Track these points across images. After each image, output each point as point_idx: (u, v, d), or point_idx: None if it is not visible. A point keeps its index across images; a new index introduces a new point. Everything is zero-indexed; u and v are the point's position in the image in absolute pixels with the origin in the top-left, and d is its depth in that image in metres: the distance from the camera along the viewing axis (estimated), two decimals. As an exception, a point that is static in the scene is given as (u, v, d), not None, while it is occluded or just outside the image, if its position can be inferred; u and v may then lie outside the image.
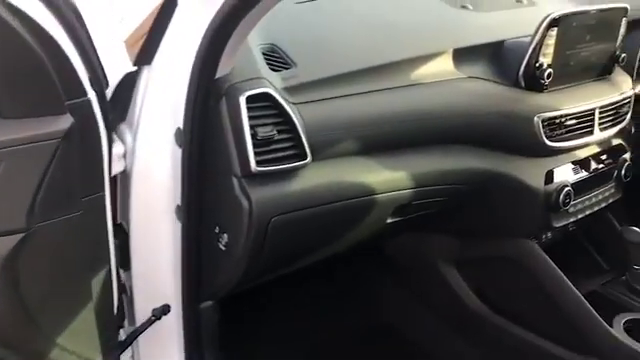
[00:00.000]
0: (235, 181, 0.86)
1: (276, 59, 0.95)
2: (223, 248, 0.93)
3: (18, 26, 0.61)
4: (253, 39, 0.94)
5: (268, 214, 0.87)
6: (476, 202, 1.15)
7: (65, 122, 0.67)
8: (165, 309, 1.04)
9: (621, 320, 1.16)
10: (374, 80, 0.99)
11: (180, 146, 0.89)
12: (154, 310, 1.02)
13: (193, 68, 0.82)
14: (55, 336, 0.78)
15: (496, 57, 1.14)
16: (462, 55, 1.10)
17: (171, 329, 1.07)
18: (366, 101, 0.97)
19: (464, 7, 1.28)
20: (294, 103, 0.89)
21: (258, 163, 0.84)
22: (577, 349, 1.17)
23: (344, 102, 0.95)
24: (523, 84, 1.11)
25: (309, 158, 0.88)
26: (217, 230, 0.93)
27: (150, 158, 0.91)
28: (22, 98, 0.64)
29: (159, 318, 1.03)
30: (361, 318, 1.43)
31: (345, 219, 0.98)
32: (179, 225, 0.95)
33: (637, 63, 1.34)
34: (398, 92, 1.01)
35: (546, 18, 1.07)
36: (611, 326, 1.13)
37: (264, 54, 0.95)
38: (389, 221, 1.07)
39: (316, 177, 0.91)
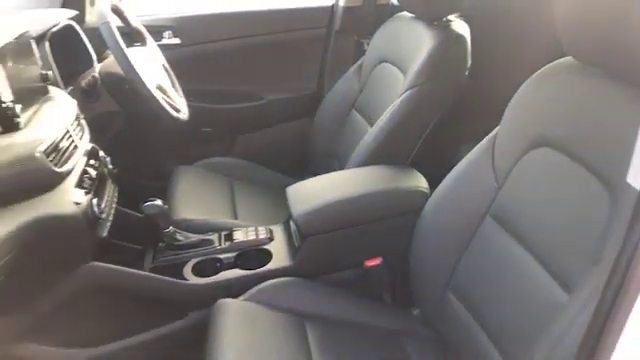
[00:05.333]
0: None
1: None
2: None
3: None
4: None
5: None
6: (33, 262, 1.06)
7: None
8: None
9: (187, 270, 1.38)
10: None
11: None
12: None
13: None
14: None
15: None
16: None
17: None
18: None
19: None
20: None
21: None
22: (172, 316, 1.33)
23: None
24: (0, 129, 1.04)
25: None
26: None
27: None
28: None
29: None
30: None
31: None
32: None
33: (57, 75, 1.45)
34: None
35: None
36: (184, 277, 1.34)
37: None
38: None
39: None
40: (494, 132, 1.17)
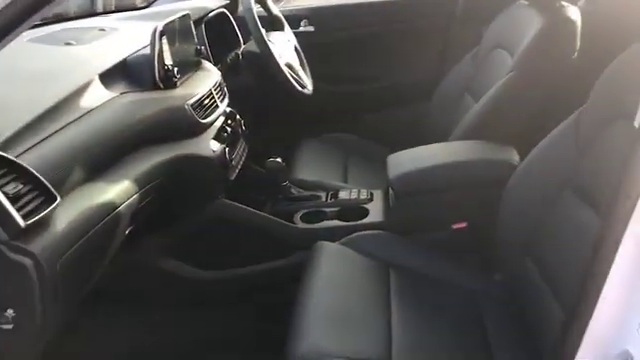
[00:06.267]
0: (4, 248, 0.84)
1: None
2: (9, 327, 0.88)
3: None
4: None
5: (53, 259, 0.89)
6: (174, 191, 1.37)
7: None
8: None
9: (297, 217, 1.62)
10: (60, 116, 1.07)
11: None
12: None
13: None
14: None
15: (128, 72, 1.35)
16: (105, 78, 1.27)
17: None
18: (68, 134, 1.05)
19: (69, 44, 1.42)
20: (15, 157, 0.91)
21: (24, 217, 0.85)
22: (282, 253, 1.58)
23: (50, 142, 1.01)
24: (162, 85, 1.37)
25: (58, 198, 0.93)
26: (-8, 315, 0.87)
27: None
28: None
29: None
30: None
31: (107, 237, 1.06)
32: None
33: (209, 52, 1.79)
34: (83, 120, 1.11)
35: (156, 30, 1.34)
36: (293, 222, 1.59)
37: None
38: (127, 232, 1.18)
39: (72, 211, 0.96)
40: (581, 108, 1.23)
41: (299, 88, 1.81)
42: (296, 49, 2.03)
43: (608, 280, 0.73)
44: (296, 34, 2.12)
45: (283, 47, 1.89)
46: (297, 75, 1.88)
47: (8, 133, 0.95)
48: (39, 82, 1.15)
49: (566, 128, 1.24)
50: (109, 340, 1.48)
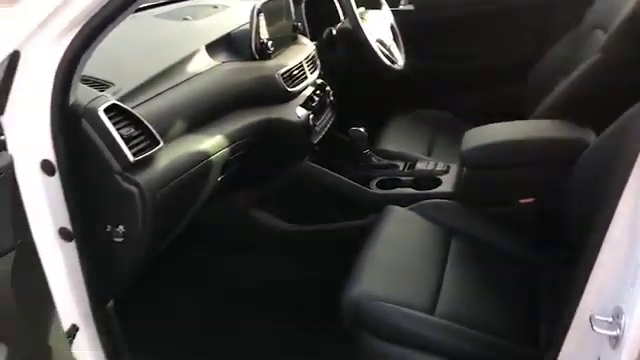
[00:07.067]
0: (118, 177, 1.08)
1: (94, 84, 1.18)
2: (120, 240, 1.13)
3: None
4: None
5: (155, 190, 1.12)
6: (262, 149, 1.58)
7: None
8: (73, 329, 1.17)
9: (373, 183, 1.76)
10: (170, 78, 1.30)
11: (50, 174, 1.06)
12: (67, 333, 1.15)
13: (52, 102, 1.01)
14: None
15: (230, 44, 1.57)
16: (211, 48, 1.50)
17: (87, 343, 1.21)
18: (175, 93, 1.28)
19: (186, 19, 1.67)
20: (131, 108, 1.15)
21: (134, 154, 1.08)
22: (358, 216, 1.73)
23: (162, 98, 1.25)
24: (257, 56, 1.57)
25: (161, 143, 1.15)
26: (108, 228, 1.12)
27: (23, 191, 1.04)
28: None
29: (74, 337, 1.16)
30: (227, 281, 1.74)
31: (200, 180, 1.29)
32: (67, 244, 1.11)
33: (307, 28, 1.96)
34: (189, 83, 1.34)
35: (254, 8, 1.54)
36: (369, 187, 1.73)
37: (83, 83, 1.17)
38: (219, 179, 1.40)
39: (171, 155, 1.19)
40: None
41: (388, 63, 1.92)
42: (392, 27, 2.14)
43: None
44: (396, 12, 2.22)
45: (377, 24, 2.01)
46: (388, 51, 1.99)
47: (127, 89, 1.20)
48: (156, 50, 1.40)
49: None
50: (202, 279, 1.74)
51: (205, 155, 1.29)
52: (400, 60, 2.04)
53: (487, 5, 2.32)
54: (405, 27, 2.19)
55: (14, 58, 0.99)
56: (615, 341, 0.76)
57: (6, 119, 1.02)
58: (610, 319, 0.78)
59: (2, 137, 0.89)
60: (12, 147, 1.02)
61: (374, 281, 1.28)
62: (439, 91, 2.43)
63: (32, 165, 1.04)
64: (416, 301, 1.22)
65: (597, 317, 0.78)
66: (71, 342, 1.15)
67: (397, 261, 1.37)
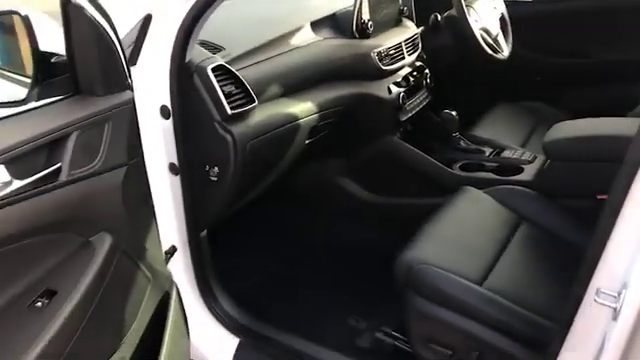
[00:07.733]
0: (217, 125, 1.30)
1: (209, 47, 1.41)
2: (215, 179, 1.35)
3: (97, 19, 0.87)
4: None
5: (245, 141, 1.32)
6: (351, 120, 1.73)
7: (129, 95, 1.05)
8: (172, 249, 1.43)
9: (457, 165, 1.84)
10: (273, 48, 1.50)
11: (166, 117, 1.30)
12: (165, 252, 1.40)
13: (172, 57, 1.24)
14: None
15: (335, 23, 1.73)
16: (315, 25, 1.67)
17: (182, 263, 1.46)
18: (276, 61, 1.48)
19: (300, -3, 1.86)
20: (236, 70, 1.36)
21: (231, 108, 1.29)
22: (437, 194, 1.81)
23: (264, 64, 1.44)
24: (357, 35, 1.72)
25: (256, 102, 1.35)
26: (207, 168, 1.35)
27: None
28: (106, 81, 0.99)
29: (172, 255, 1.41)
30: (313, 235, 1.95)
31: (287, 138, 1.48)
32: (173, 177, 1.35)
33: (414, 13, 2.06)
34: (290, 54, 1.53)
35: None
36: (452, 169, 1.81)
37: (201, 45, 1.40)
38: (307, 142, 1.58)
39: (264, 113, 1.39)
40: None
41: (489, 52, 1.96)
42: (502, 17, 2.16)
43: None
44: (514, 3, 2.23)
45: (485, 13, 2.05)
46: (494, 40, 2.02)
47: (235, 54, 1.41)
48: (265, 23, 1.60)
49: None
50: (285, 232, 1.94)
51: (294, 117, 1.47)
52: (506, 50, 2.06)
53: (605, 1, 2.23)
54: (521, 18, 2.19)
55: (147, 20, 1.23)
56: (614, 313, 0.82)
57: (136, 69, 1.27)
58: (615, 293, 0.83)
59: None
60: (138, 93, 1.28)
61: (430, 248, 1.38)
62: (547, 84, 2.39)
63: (153, 109, 1.30)
64: (467, 271, 1.31)
65: (603, 290, 0.84)
66: (167, 260, 1.40)
67: (458, 235, 1.45)
